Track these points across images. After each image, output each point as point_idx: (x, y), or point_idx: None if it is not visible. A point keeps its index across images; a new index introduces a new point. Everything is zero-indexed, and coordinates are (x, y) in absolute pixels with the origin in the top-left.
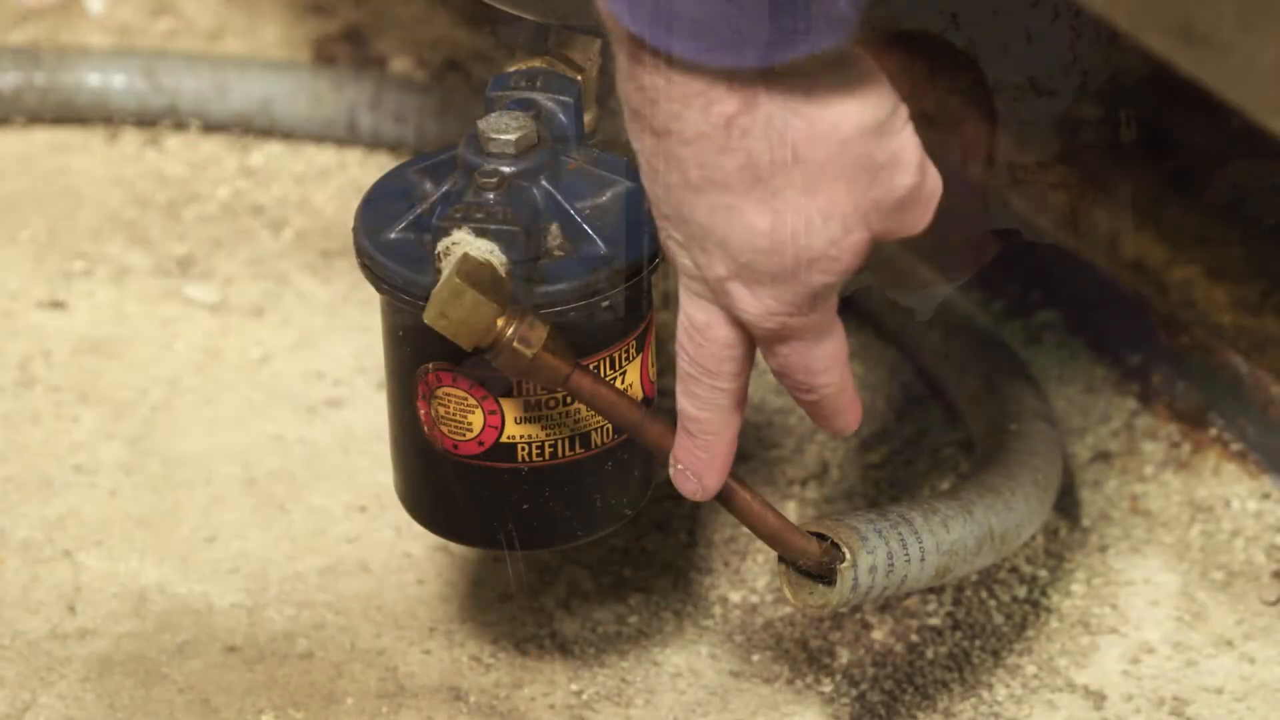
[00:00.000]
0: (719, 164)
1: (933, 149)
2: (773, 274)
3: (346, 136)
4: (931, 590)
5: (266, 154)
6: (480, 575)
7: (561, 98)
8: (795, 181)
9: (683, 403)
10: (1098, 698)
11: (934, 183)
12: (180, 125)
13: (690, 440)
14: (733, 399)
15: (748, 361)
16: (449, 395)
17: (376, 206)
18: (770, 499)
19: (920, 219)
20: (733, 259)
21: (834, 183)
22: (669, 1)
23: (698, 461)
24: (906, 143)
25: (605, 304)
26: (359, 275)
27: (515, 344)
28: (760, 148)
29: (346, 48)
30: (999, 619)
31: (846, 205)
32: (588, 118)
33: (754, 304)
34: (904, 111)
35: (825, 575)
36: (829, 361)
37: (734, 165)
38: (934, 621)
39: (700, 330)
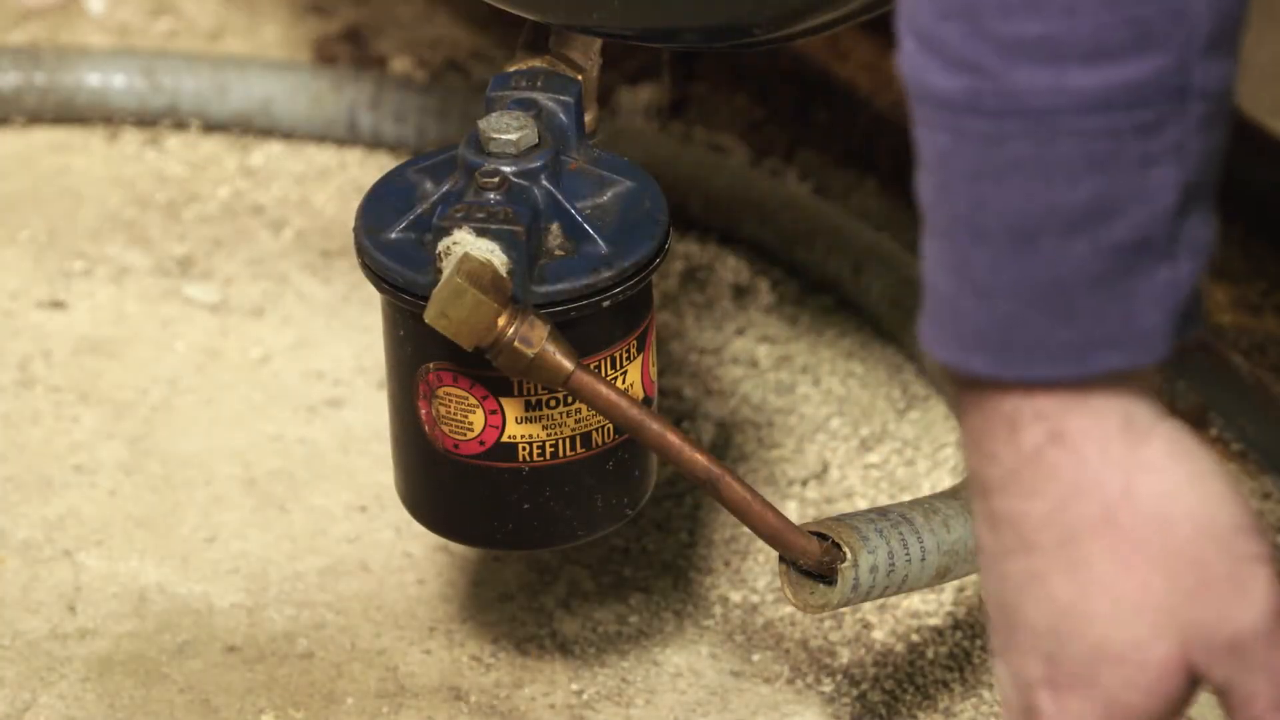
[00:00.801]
0: (1028, 512)
1: None
2: (1074, 669)
3: (347, 136)
4: (932, 590)
5: (266, 154)
6: (480, 575)
7: (562, 97)
8: (1107, 550)
9: None
10: None
11: None
12: (180, 125)
13: None
14: None
15: None
16: (450, 395)
17: (377, 206)
18: (770, 499)
19: (1246, 680)
20: (1039, 649)
21: (1151, 568)
22: (962, 316)
23: None
24: (1258, 569)
25: (606, 304)
26: (359, 275)
27: (516, 343)
28: (1070, 494)
29: (346, 48)
30: None
31: (1160, 603)
32: (588, 117)
33: (1058, 716)
34: (1258, 526)
35: (826, 575)
36: None
37: (1042, 513)
38: (934, 621)
39: None
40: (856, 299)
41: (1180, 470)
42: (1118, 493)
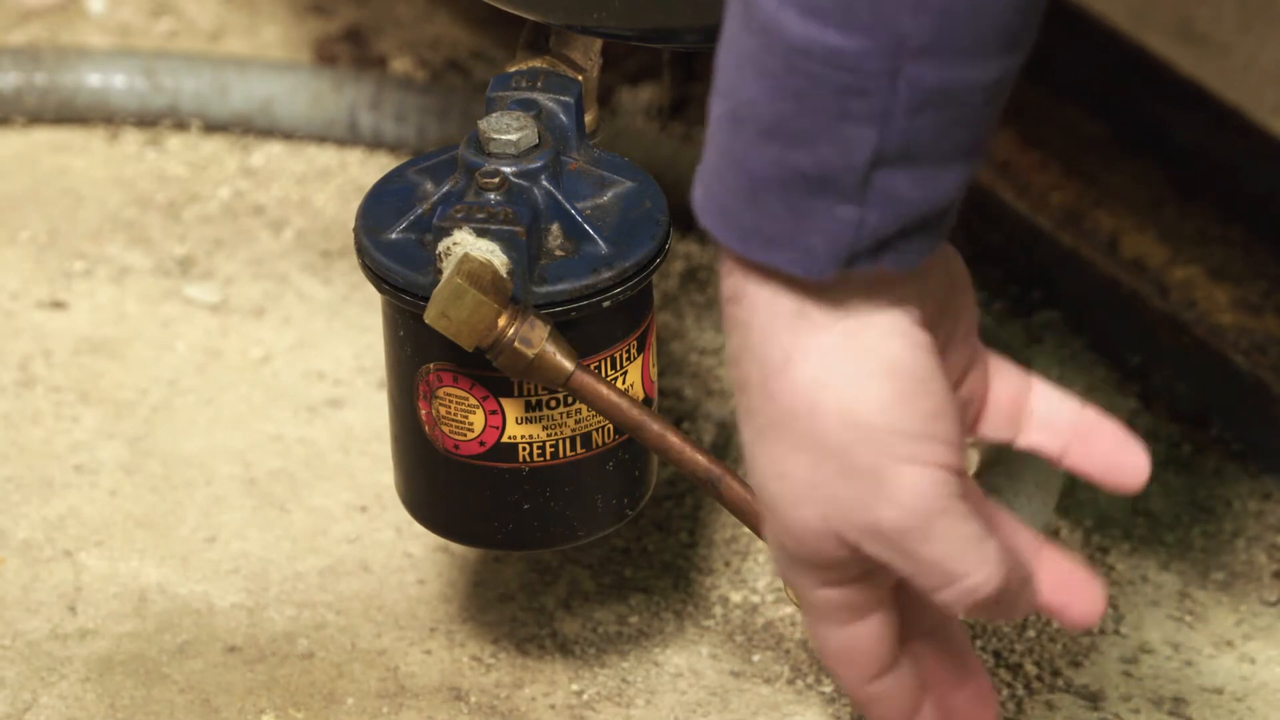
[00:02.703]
0: (728, 341)
1: None
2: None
3: (347, 137)
4: None
5: (267, 154)
6: (481, 575)
7: (562, 98)
8: (763, 408)
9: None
10: (1097, 698)
11: (937, 550)
12: (181, 125)
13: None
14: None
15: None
16: (450, 395)
17: (377, 206)
18: None
19: (899, 563)
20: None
21: (796, 443)
22: (703, 149)
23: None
24: (909, 470)
25: (606, 304)
26: (359, 275)
27: (516, 344)
28: (743, 347)
29: (347, 48)
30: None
31: (801, 476)
32: (588, 118)
33: (771, 534)
34: (933, 449)
35: None
36: (838, 654)
37: (731, 350)
38: None
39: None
40: None
41: (843, 366)
42: (775, 366)
